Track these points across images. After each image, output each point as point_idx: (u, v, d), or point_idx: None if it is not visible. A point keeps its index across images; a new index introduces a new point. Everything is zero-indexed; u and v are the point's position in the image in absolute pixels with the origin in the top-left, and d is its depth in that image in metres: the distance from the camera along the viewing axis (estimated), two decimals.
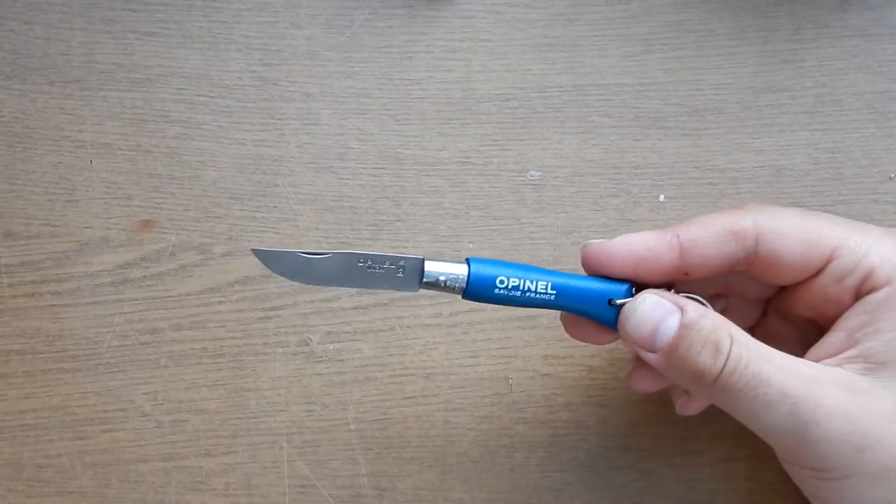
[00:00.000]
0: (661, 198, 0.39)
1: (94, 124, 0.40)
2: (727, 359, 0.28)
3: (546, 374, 0.38)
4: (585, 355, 0.38)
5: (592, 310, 0.31)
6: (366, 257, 0.31)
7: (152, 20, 0.41)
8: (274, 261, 0.31)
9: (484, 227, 0.39)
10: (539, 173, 0.40)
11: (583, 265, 0.32)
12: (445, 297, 0.39)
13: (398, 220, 0.39)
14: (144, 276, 0.39)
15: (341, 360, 0.39)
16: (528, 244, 0.39)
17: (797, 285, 0.32)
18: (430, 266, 0.30)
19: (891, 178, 0.39)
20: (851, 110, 0.39)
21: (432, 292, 0.32)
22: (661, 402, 0.38)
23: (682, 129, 0.40)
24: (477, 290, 0.31)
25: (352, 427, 0.38)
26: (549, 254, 0.39)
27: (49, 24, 0.41)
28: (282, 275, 0.31)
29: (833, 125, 0.39)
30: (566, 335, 0.38)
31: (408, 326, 0.39)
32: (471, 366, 0.39)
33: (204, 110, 0.40)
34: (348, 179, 0.40)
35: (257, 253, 0.31)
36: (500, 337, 0.39)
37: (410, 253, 0.39)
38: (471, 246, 0.39)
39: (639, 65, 0.40)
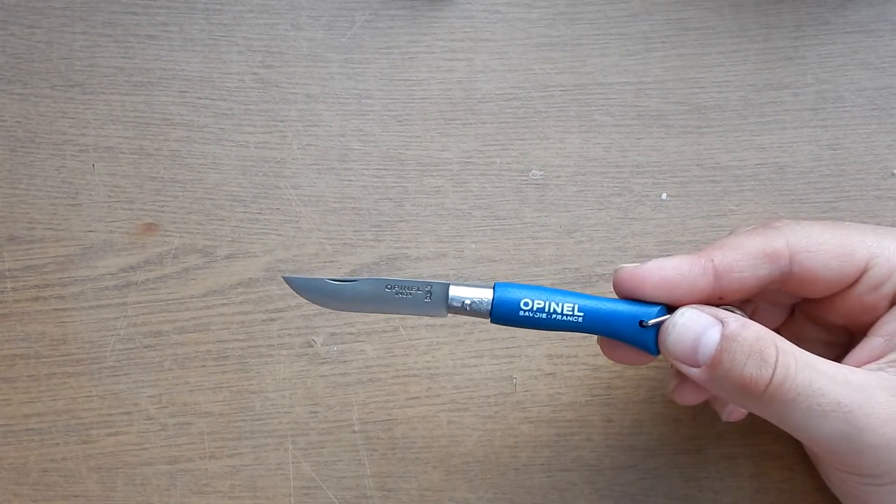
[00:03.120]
0: (664, 196, 0.39)
1: (96, 128, 0.40)
2: (774, 369, 0.28)
3: (550, 374, 0.38)
4: (589, 354, 0.38)
5: (623, 332, 0.31)
6: (393, 283, 0.31)
7: (153, 23, 0.41)
8: (303, 288, 0.32)
9: (487, 227, 0.39)
10: (541, 173, 0.40)
11: (615, 289, 0.31)
12: None
13: (401, 221, 0.39)
14: (148, 279, 0.39)
15: (345, 362, 0.39)
16: (530, 244, 0.39)
17: (831, 296, 0.32)
18: (455, 291, 0.31)
19: (893, 174, 0.39)
20: (853, 107, 0.39)
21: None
22: (666, 400, 0.38)
23: (683, 127, 0.40)
24: (502, 313, 0.31)
25: (356, 428, 0.38)
26: (552, 253, 0.39)
27: (51, 28, 0.41)
28: (311, 301, 0.32)
29: (835, 122, 0.39)
30: (569, 334, 0.38)
31: (411, 327, 0.39)
32: (475, 366, 0.39)
33: (206, 113, 0.40)
34: (350, 181, 0.40)
35: (288, 280, 0.32)
36: (504, 337, 0.39)
37: (413, 256, 0.39)
38: (473, 246, 0.39)
39: (640, 63, 0.40)
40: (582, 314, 0.30)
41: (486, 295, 0.31)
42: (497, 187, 0.40)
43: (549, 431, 0.38)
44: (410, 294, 0.31)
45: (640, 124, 0.40)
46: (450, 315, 0.31)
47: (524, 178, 0.40)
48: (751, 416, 0.37)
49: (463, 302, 0.31)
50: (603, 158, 0.40)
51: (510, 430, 0.38)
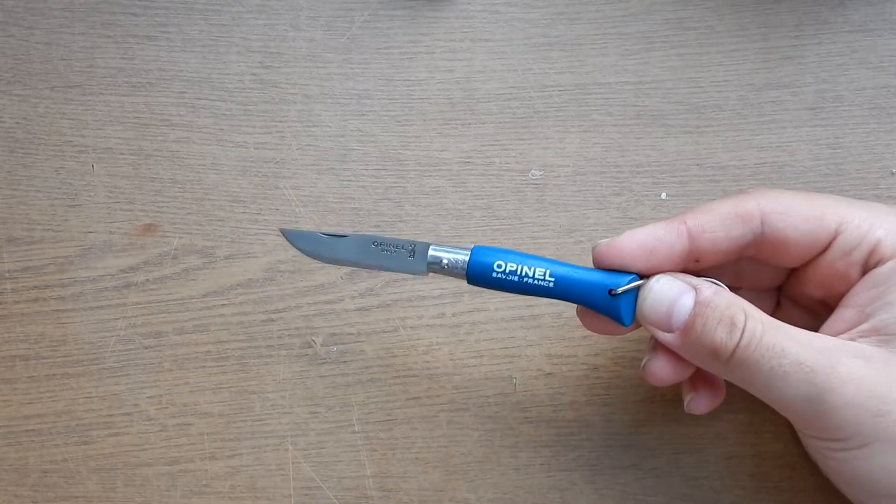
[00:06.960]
0: (663, 195, 0.39)
1: (95, 129, 0.40)
2: (742, 333, 0.29)
3: (550, 374, 0.38)
4: (589, 354, 0.38)
5: (593, 300, 0.31)
6: (380, 241, 0.34)
7: (152, 24, 0.41)
8: (298, 240, 0.35)
9: (486, 227, 0.39)
10: (541, 172, 0.40)
11: (594, 265, 0.32)
12: (449, 297, 0.39)
13: (400, 221, 0.39)
14: (147, 279, 0.39)
15: (345, 362, 0.39)
16: (530, 243, 0.39)
17: (805, 265, 0.32)
18: (434, 250, 0.33)
19: (892, 174, 0.39)
20: (852, 106, 0.39)
21: (441, 282, 0.33)
22: (666, 400, 0.38)
23: (683, 126, 0.40)
24: (476, 273, 0.32)
25: (356, 428, 0.38)
26: (551, 253, 0.39)
27: (50, 29, 0.41)
28: (304, 252, 0.35)
29: (834, 121, 0.39)
30: (569, 334, 0.38)
31: (411, 327, 0.39)
32: (474, 366, 0.39)
33: (205, 114, 0.40)
34: (350, 181, 0.40)
35: (284, 232, 0.35)
36: (504, 337, 0.39)
37: None
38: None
39: (639, 63, 0.40)
40: (553, 279, 0.31)
41: (463, 256, 0.32)
42: (496, 187, 0.40)
43: (549, 431, 0.38)
44: (395, 251, 0.33)
45: (640, 124, 0.40)
46: (430, 274, 0.33)
47: (523, 177, 0.40)
48: (750, 414, 0.37)
49: (441, 261, 0.33)
50: (602, 158, 0.40)
51: (510, 431, 0.38)
